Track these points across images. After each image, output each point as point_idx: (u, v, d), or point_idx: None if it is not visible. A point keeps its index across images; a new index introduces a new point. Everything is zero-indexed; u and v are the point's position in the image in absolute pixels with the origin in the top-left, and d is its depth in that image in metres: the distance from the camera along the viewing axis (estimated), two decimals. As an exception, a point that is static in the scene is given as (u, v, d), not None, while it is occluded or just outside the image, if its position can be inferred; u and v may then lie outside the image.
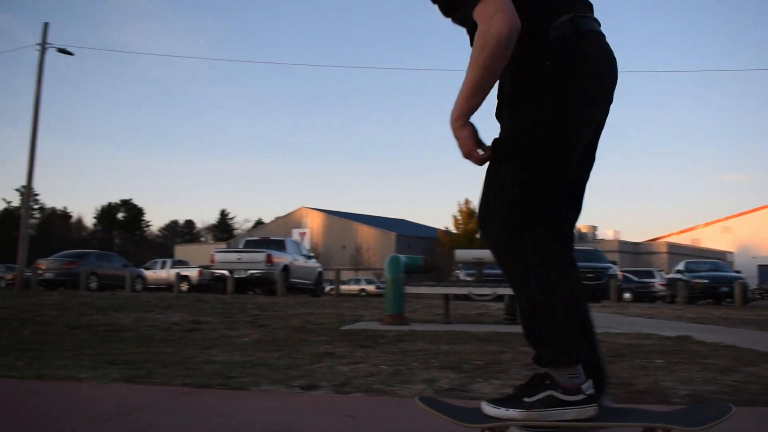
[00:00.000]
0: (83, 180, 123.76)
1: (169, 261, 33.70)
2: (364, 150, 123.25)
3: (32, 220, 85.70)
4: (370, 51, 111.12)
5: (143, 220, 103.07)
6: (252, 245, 21.23)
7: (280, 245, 20.73)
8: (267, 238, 21.87)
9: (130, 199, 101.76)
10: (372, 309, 11.23)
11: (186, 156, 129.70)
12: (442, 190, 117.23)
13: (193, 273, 27.31)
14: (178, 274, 21.79)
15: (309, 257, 22.39)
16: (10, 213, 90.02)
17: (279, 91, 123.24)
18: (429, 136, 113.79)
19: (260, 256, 19.29)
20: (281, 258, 19.81)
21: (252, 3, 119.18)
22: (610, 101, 1.97)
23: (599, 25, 1.95)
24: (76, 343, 5.22)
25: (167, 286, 30.16)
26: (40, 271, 21.97)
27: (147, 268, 30.54)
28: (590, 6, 1.97)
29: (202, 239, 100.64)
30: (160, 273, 31.08)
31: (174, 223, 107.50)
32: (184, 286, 26.41)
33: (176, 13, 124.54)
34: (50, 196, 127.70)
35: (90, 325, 7.19)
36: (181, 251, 69.98)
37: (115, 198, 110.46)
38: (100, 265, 22.84)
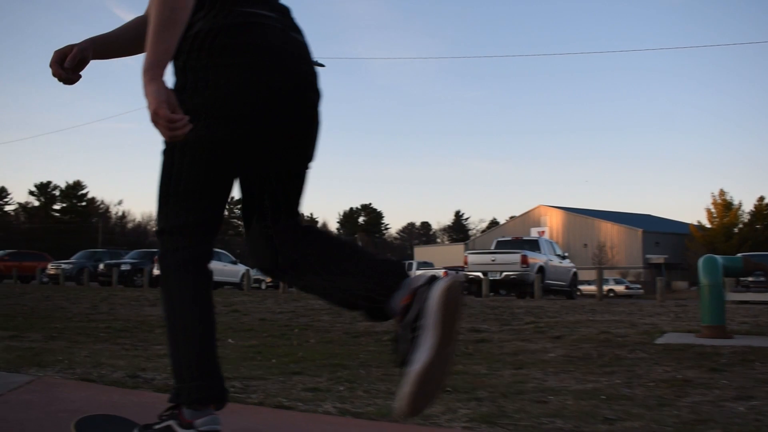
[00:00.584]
0: (327, 187, 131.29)
1: (414, 263, 34.24)
2: (602, 142, 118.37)
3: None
4: (603, 37, 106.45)
5: (382, 223, 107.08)
6: (504, 246, 20.53)
7: (533, 245, 19.84)
8: (520, 238, 21.05)
9: (370, 204, 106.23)
10: (656, 315, 9.98)
11: (421, 159, 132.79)
12: (692, 180, 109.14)
13: (438, 274, 27.26)
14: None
15: (563, 257, 21.21)
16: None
17: (513, 89, 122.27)
18: (675, 122, 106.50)
19: (515, 257, 18.54)
20: (536, 259, 18.90)
21: (480, 3, 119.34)
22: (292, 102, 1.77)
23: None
24: (373, 356, 4.81)
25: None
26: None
27: (394, 270, 31.09)
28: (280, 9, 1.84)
29: (438, 240, 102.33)
30: (406, 275, 31.57)
31: (411, 225, 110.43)
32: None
33: (406, 20, 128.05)
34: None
35: (370, 333, 6.90)
36: (420, 252, 71.35)
37: (356, 203, 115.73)
38: (354, 268, 23.35)
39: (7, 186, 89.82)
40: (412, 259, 48.60)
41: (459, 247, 73.89)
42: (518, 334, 6.82)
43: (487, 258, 19.25)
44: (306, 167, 1.91)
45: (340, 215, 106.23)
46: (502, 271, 18.61)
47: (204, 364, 1.73)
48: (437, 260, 42.63)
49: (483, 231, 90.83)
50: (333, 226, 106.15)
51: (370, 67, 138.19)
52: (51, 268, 27.98)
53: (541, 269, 18.72)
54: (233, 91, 1.69)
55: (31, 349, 4.47)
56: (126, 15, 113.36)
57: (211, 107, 1.69)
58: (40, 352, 4.29)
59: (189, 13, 1.64)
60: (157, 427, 1.76)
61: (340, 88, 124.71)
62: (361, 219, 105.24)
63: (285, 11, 1.85)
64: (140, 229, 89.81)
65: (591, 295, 27.00)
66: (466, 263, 19.61)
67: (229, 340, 5.88)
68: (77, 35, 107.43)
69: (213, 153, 1.73)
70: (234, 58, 1.69)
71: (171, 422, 1.74)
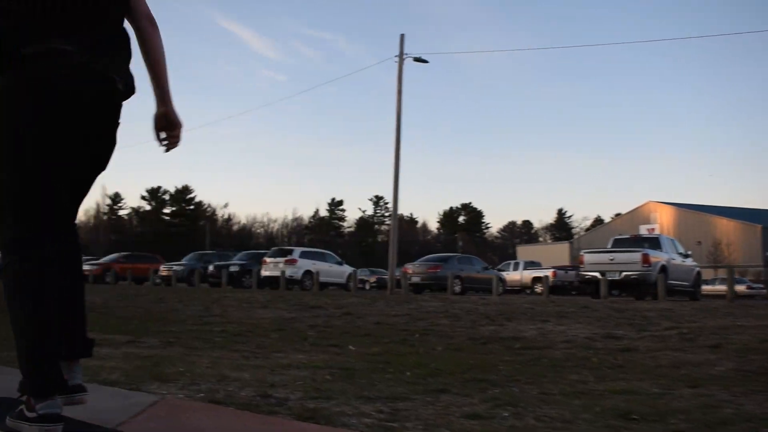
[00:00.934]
0: (427, 186, 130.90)
1: (521, 262, 33.37)
2: (712, 135, 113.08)
3: (384, 227, 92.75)
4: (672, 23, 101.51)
5: (483, 222, 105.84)
6: (623, 244, 19.47)
7: (654, 243, 18.72)
8: (638, 236, 19.95)
9: (470, 203, 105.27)
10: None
11: (522, 157, 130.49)
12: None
13: (547, 274, 26.34)
14: (546, 276, 20.80)
15: (686, 256, 19.93)
16: (364, 221, 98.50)
17: (617, 82, 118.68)
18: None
19: (635, 256, 17.49)
20: (658, 257, 17.77)
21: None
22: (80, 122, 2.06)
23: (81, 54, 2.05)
24: (514, 369, 4.29)
25: (521, 288, 29.76)
26: (408, 275, 22.65)
27: (500, 270, 30.41)
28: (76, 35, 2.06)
29: (540, 239, 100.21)
30: (513, 275, 30.83)
31: (512, 224, 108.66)
32: (539, 289, 25.56)
33: (505, 14, 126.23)
34: (399, 204, 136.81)
35: (496, 340, 6.41)
36: (523, 252, 69.84)
37: (456, 202, 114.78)
38: (462, 269, 22.99)
39: (121, 191, 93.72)
40: (515, 258, 47.49)
41: (563, 246, 71.98)
42: (664, 341, 6.15)
43: (605, 257, 18.26)
44: (93, 178, 2.23)
45: (440, 215, 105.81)
46: (621, 271, 17.57)
47: (40, 365, 1.94)
48: (542, 260, 41.36)
49: (587, 229, 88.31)
50: (433, 225, 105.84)
51: (469, 64, 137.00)
52: (163, 269, 28.87)
53: (664, 269, 17.59)
54: (35, 111, 1.96)
55: (149, 358, 4.21)
56: (232, 27, 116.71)
57: (16, 123, 1.97)
58: (159, 362, 4.01)
59: None
60: (16, 410, 2.01)
61: (442, 86, 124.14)
62: (461, 218, 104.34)
63: (98, 42, 2.09)
64: (245, 231, 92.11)
65: (711, 296, 25.46)
66: (582, 262, 18.71)
67: (350, 347, 5.51)
68: (188, 52, 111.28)
69: (21, 166, 1.97)
70: (35, 83, 1.97)
71: (22, 407, 2.00)
